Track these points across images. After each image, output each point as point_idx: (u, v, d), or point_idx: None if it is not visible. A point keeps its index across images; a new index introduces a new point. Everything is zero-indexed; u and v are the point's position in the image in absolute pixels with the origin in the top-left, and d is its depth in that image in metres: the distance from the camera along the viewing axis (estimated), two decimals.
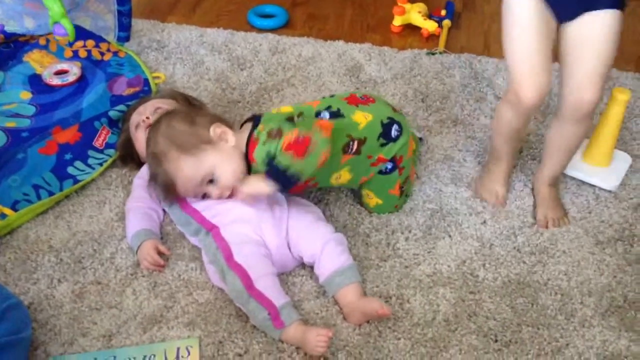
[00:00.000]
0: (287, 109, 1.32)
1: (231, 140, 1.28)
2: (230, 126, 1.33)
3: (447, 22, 2.09)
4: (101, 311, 1.21)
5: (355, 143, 1.29)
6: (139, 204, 1.37)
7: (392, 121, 1.33)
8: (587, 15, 1.21)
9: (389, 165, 1.34)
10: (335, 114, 1.30)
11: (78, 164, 1.49)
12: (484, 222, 1.41)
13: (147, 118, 1.45)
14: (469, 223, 1.41)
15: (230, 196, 1.29)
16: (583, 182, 1.50)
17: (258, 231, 1.26)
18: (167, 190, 1.30)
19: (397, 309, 1.23)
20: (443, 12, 2.12)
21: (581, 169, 1.51)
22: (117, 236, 1.36)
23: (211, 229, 1.28)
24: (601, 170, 1.50)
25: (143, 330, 1.18)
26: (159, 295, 1.24)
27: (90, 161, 1.51)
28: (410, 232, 1.39)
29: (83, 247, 1.33)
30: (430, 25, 2.06)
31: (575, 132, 1.34)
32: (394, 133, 1.32)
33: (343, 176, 1.32)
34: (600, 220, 1.41)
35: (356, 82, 1.83)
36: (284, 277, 1.28)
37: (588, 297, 1.25)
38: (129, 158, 1.51)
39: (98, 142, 1.54)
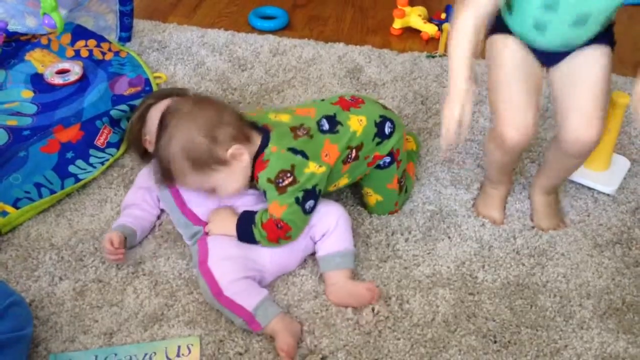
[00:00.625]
0: (285, 117, 1.31)
1: (245, 161, 1.25)
2: (248, 137, 1.26)
3: (447, 26, 2.10)
4: (102, 309, 1.22)
5: (354, 151, 1.30)
6: (134, 204, 1.36)
7: (384, 119, 1.34)
8: (577, 55, 1.21)
9: (387, 159, 1.36)
10: (334, 123, 1.30)
11: (79, 162, 1.49)
12: (483, 224, 1.42)
13: None
14: (468, 225, 1.41)
15: None
16: (582, 186, 1.51)
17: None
18: (165, 178, 1.29)
19: (396, 309, 1.23)
20: (443, 16, 2.13)
21: (580, 173, 1.51)
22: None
23: (204, 231, 1.28)
24: (600, 173, 1.51)
25: (144, 328, 1.19)
26: (159, 294, 1.25)
27: (91, 160, 1.51)
28: (410, 233, 1.39)
29: (84, 245, 1.34)
30: (430, 29, 2.07)
31: (575, 163, 1.33)
32: (387, 130, 1.34)
33: (341, 182, 1.34)
34: (599, 224, 1.42)
35: (356, 84, 1.84)
36: (283, 276, 1.29)
37: (587, 299, 1.26)
38: (137, 141, 1.49)
39: (99, 141, 1.55)
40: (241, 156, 1.24)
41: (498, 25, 1.27)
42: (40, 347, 1.15)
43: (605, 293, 1.27)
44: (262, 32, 2.09)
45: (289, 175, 1.22)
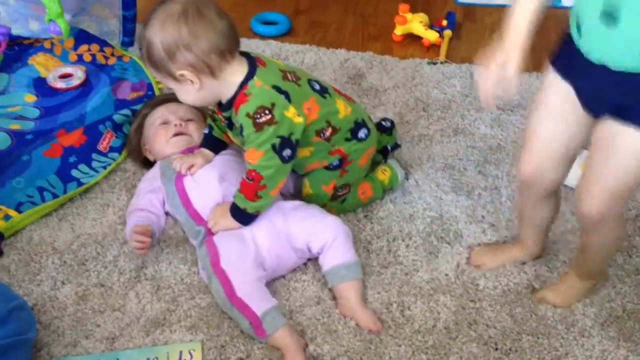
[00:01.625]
0: (279, 62, 1.32)
1: (195, 85, 1.20)
2: (213, 70, 1.19)
3: (448, 32, 2.11)
4: (104, 313, 1.22)
5: (330, 130, 1.32)
6: (140, 209, 1.37)
7: (364, 125, 1.39)
8: (619, 124, 1.01)
9: (335, 163, 1.37)
10: (324, 90, 1.34)
11: (82, 167, 1.50)
12: (484, 230, 1.42)
13: (181, 125, 1.47)
14: (469, 232, 1.42)
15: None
16: None
17: (249, 229, 1.27)
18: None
19: (398, 315, 1.24)
20: (444, 23, 2.14)
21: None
22: (120, 239, 1.37)
23: (209, 232, 1.29)
24: None
25: (146, 333, 1.19)
26: (161, 299, 1.25)
27: (94, 164, 1.52)
28: (410, 239, 1.40)
29: (86, 249, 1.34)
30: (431, 35, 2.08)
31: (590, 241, 1.17)
32: (360, 134, 1.38)
33: (302, 153, 1.32)
34: None
35: (358, 89, 1.85)
36: (285, 281, 1.30)
37: (588, 307, 1.26)
38: (136, 151, 1.53)
39: (102, 145, 1.55)
40: (190, 81, 1.20)
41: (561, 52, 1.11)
42: (42, 351, 1.15)
43: (606, 301, 1.27)
44: (264, 37, 2.10)
45: (267, 112, 1.21)
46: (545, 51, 2.12)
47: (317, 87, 1.32)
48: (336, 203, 1.42)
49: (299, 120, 1.24)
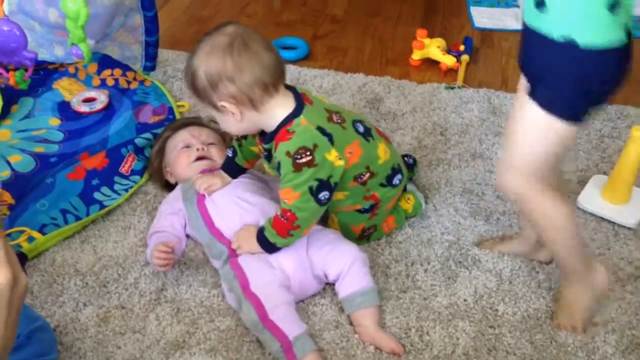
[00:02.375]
0: (324, 99, 1.34)
1: (237, 118, 1.21)
2: (255, 103, 1.19)
3: (465, 57, 2.13)
4: (125, 335, 1.23)
5: (368, 175, 1.32)
6: (161, 231, 1.39)
7: (399, 170, 1.39)
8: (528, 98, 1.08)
9: (367, 207, 1.37)
10: (368, 132, 1.33)
11: (104, 189, 1.52)
12: (502, 255, 1.42)
13: (203, 149, 1.49)
14: (487, 257, 1.42)
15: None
16: (602, 219, 1.51)
17: (274, 256, 1.27)
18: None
19: (416, 340, 1.23)
20: (461, 47, 2.16)
21: (600, 206, 1.52)
22: (140, 261, 1.38)
23: (232, 252, 1.30)
24: (620, 207, 1.51)
25: (165, 355, 1.20)
26: (181, 321, 1.26)
27: (116, 187, 1.54)
28: (429, 264, 1.40)
29: (108, 271, 1.36)
30: (448, 60, 2.10)
31: (535, 230, 1.25)
32: (395, 181, 1.38)
33: (337, 196, 1.32)
34: (620, 257, 1.42)
35: (376, 114, 1.86)
36: (304, 305, 1.30)
37: (609, 334, 1.25)
38: (157, 173, 1.56)
39: (124, 168, 1.58)
40: (232, 113, 1.20)
41: None
42: None
43: (627, 328, 1.26)
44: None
45: (308, 154, 1.20)
46: None
47: (361, 129, 1.32)
48: (362, 241, 1.42)
49: (340, 163, 1.24)
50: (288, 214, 1.22)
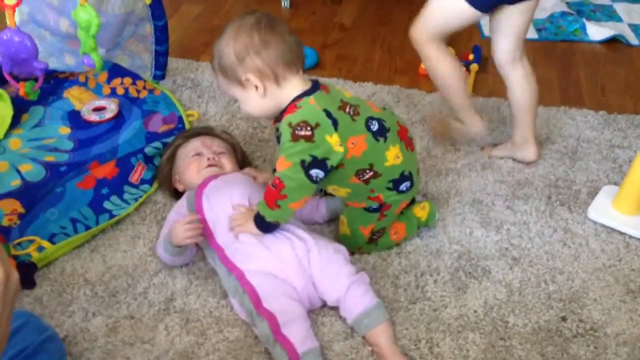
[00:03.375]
0: (348, 93, 1.35)
1: (260, 92, 1.26)
2: (277, 78, 1.26)
3: (474, 66, 2.12)
4: (134, 346, 1.23)
5: (370, 174, 1.31)
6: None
7: (409, 177, 1.36)
8: None
9: (374, 206, 1.37)
10: (382, 131, 1.31)
11: (114, 198, 1.52)
12: (511, 267, 1.41)
13: (214, 158, 1.50)
14: (498, 267, 1.41)
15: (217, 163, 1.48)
16: (613, 230, 1.50)
17: (282, 272, 1.26)
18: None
19: (426, 352, 1.23)
20: (471, 56, 2.16)
21: (611, 217, 1.51)
22: (149, 271, 1.38)
23: (232, 269, 1.28)
24: (631, 218, 1.50)
25: None
26: (190, 332, 1.26)
27: (125, 196, 1.54)
28: (438, 274, 1.39)
29: (117, 281, 1.36)
30: None
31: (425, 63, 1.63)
32: (402, 187, 1.36)
33: (341, 191, 1.35)
34: (631, 269, 1.41)
35: None
36: (313, 316, 1.29)
37: (621, 346, 1.24)
38: (167, 181, 1.56)
39: (134, 177, 1.58)
40: (254, 86, 1.26)
41: None
42: None
43: (639, 341, 1.25)
44: None
45: (309, 129, 1.22)
46: (573, 87, 2.14)
47: (375, 127, 1.30)
48: (370, 245, 1.42)
49: (340, 149, 1.25)
50: (277, 181, 1.24)
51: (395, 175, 1.34)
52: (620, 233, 1.49)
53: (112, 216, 1.49)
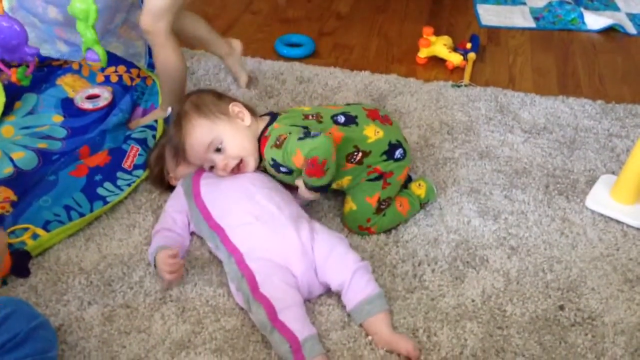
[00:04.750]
0: (306, 108, 1.45)
1: (247, 121, 1.40)
2: (251, 110, 1.44)
3: (472, 55, 2.11)
4: (130, 335, 1.22)
5: (360, 154, 1.37)
6: (165, 228, 1.38)
7: (399, 145, 1.42)
8: None
9: (376, 175, 1.40)
10: (350, 120, 1.40)
11: (107, 185, 1.51)
12: (509, 256, 1.41)
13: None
14: (496, 257, 1.40)
15: (234, 171, 1.39)
16: (610, 219, 1.50)
17: (283, 257, 1.26)
18: (177, 152, 1.43)
19: (425, 341, 1.22)
20: (468, 45, 2.15)
21: (609, 206, 1.51)
22: (145, 260, 1.37)
23: (233, 251, 1.28)
24: (629, 207, 1.50)
25: (171, 355, 1.18)
26: (187, 321, 1.25)
27: (119, 182, 1.53)
28: (436, 264, 1.39)
29: (113, 270, 1.34)
30: (455, 58, 2.08)
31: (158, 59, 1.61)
32: (397, 155, 1.41)
33: (344, 182, 1.40)
34: (629, 258, 1.40)
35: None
36: (310, 305, 1.29)
37: (619, 335, 1.23)
38: (158, 181, 1.54)
39: (127, 163, 1.56)
40: (242, 114, 1.40)
41: None
42: None
43: (637, 330, 1.25)
44: (288, 59, 2.11)
45: (284, 137, 1.31)
46: (570, 76, 2.13)
47: (342, 119, 1.39)
48: (379, 217, 1.42)
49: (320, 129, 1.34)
50: (309, 161, 1.27)
51: (384, 147, 1.39)
52: (618, 222, 1.49)
53: (105, 203, 1.47)
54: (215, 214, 1.34)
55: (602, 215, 1.51)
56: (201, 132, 1.37)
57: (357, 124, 1.39)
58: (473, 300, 1.31)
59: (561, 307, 1.29)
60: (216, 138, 1.37)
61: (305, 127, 1.34)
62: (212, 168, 1.41)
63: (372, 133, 1.39)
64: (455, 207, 1.53)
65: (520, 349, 1.21)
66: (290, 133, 1.31)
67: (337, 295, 1.29)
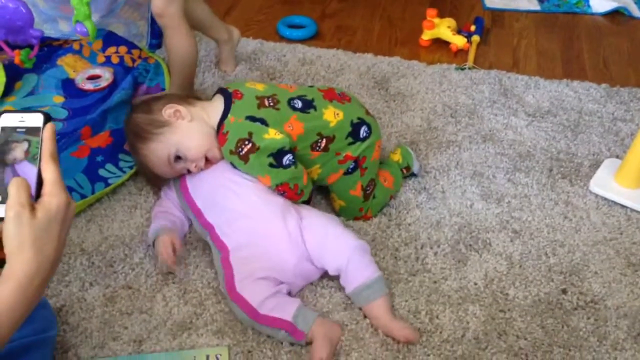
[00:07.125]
0: (260, 86, 1.37)
1: (187, 116, 1.33)
2: (190, 99, 1.38)
3: (476, 38, 2.09)
4: (132, 316, 1.22)
5: (324, 141, 1.33)
6: (165, 210, 1.38)
7: (362, 122, 1.37)
8: None
9: (352, 165, 1.37)
10: (308, 105, 1.34)
11: (109, 166, 1.50)
12: (512, 239, 1.40)
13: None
14: (498, 240, 1.40)
15: (207, 166, 1.35)
16: (614, 203, 1.49)
17: (272, 251, 1.23)
18: (152, 178, 1.40)
19: (427, 323, 1.22)
20: (472, 28, 2.13)
21: (613, 190, 1.50)
22: (147, 241, 1.36)
23: (220, 248, 1.26)
24: (633, 191, 1.49)
25: (173, 336, 1.19)
26: (188, 302, 1.25)
27: (121, 164, 1.52)
28: (439, 247, 1.38)
29: (114, 251, 1.34)
30: (459, 40, 2.07)
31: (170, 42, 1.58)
32: (362, 134, 1.37)
33: (314, 172, 1.36)
34: (632, 242, 1.40)
35: (385, 95, 1.84)
36: (312, 287, 1.28)
37: (621, 319, 1.23)
38: (154, 182, 1.49)
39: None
40: (178, 113, 1.32)
41: None
42: (70, 352, 1.15)
43: None
44: (290, 41, 2.09)
45: (247, 142, 1.26)
46: (575, 59, 2.11)
47: (299, 104, 1.34)
48: (370, 202, 1.41)
49: (280, 136, 1.27)
50: (280, 189, 1.29)
51: (348, 129, 1.35)
52: (622, 206, 1.48)
53: (107, 184, 1.46)
54: (204, 211, 1.32)
55: (605, 199, 1.50)
56: (155, 156, 1.33)
57: (315, 107, 1.34)
58: (475, 284, 1.30)
59: (564, 291, 1.29)
60: (170, 152, 1.31)
61: (263, 121, 1.27)
62: (189, 171, 1.37)
63: (332, 116, 1.33)
64: (458, 190, 1.52)
65: (523, 332, 1.21)
66: (258, 149, 1.25)
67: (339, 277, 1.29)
